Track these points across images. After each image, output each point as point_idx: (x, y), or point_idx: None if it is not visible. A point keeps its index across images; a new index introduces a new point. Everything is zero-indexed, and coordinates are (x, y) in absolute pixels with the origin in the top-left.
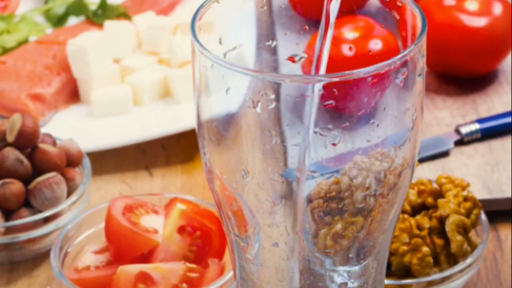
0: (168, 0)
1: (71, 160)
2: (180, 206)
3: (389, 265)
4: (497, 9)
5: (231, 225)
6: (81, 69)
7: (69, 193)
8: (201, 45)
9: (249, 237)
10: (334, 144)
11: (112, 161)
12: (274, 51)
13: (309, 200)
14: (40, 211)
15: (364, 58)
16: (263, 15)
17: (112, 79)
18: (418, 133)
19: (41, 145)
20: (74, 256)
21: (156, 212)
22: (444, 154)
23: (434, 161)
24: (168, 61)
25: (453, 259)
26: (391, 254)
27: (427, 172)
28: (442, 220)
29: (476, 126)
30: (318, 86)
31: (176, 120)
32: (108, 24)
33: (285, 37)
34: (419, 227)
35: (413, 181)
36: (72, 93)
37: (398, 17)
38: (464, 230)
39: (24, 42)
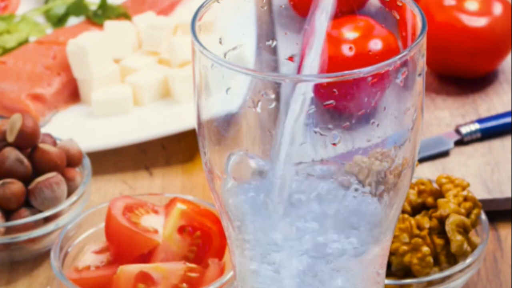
0: (168, 0)
1: (71, 160)
2: (180, 206)
3: (389, 265)
4: (497, 9)
5: (231, 225)
6: (81, 69)
7: (69, 193)
8: (201, 45)
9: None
10: (334, 144)
11: (112, 161)
12: (274, 51)
13: None
14: (40, 211)
15: (364, 58)
16: (263, 15)
17: (112, 79)
18: (418, 133)
19: (41, 145)
20: (74, 256)
21: (156, 212)
22: (444, 154)
23: (434, 161)
24: (168, 61)
25: (453, 259)
26: (391, 254)
27: (427, 172)
28: (442, 220)
29: (476, 126)
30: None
31: (176, 120)
32: (108, 24)
33: (285, 37)
34: (419, 227)
35: (413, 181)
36: (72, 93)
37: (398, 17)
38: (464, 230)
39: (24, 42)
